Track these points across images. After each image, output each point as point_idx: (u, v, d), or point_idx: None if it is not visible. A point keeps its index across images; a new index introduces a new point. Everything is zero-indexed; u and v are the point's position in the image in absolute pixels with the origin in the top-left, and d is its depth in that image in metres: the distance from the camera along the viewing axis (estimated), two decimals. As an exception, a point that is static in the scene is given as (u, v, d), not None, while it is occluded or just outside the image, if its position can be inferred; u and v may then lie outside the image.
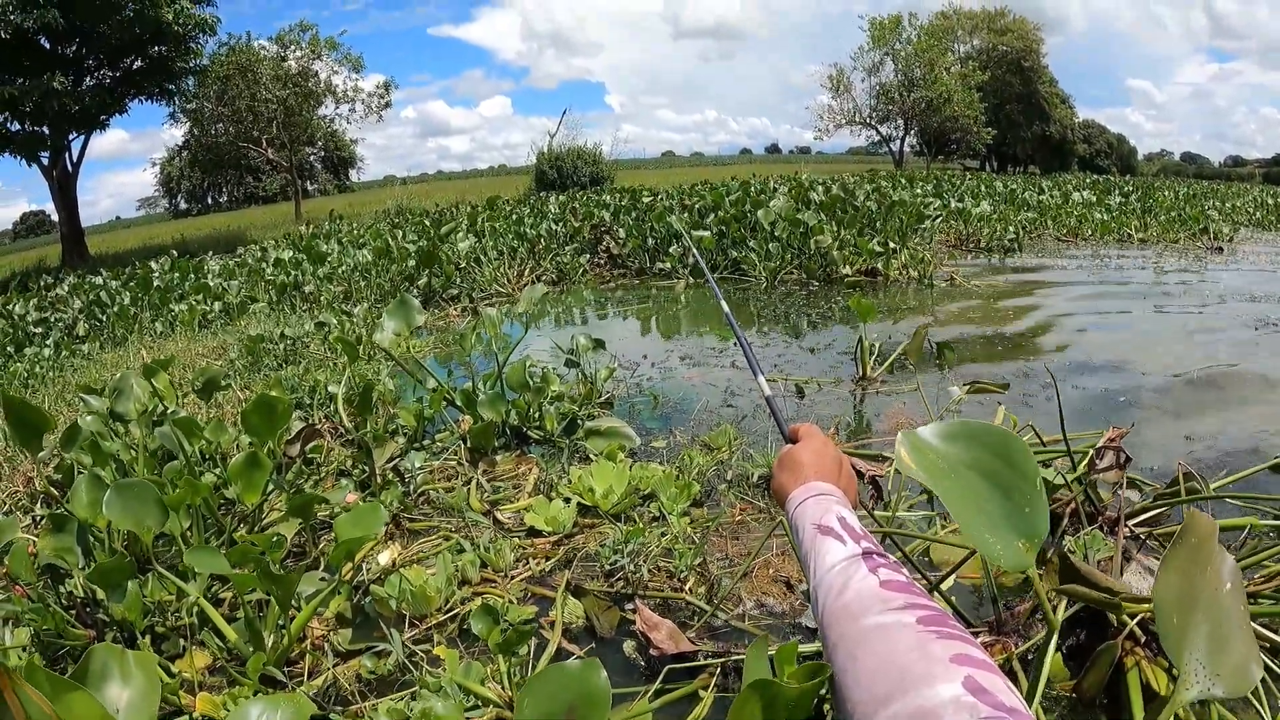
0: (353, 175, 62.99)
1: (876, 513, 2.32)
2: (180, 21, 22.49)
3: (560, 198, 17.33)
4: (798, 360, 4.77)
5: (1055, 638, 1.46)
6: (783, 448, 1.31)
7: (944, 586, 1.87)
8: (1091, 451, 2.22)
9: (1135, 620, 1.60)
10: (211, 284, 8.81)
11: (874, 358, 4.28)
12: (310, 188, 52.04)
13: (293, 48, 33.27)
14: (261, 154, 34.21)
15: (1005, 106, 52.83)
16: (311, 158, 46.77)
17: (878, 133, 52.24)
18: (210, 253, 15.59)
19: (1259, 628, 1.61)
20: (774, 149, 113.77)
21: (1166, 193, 21.23)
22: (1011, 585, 2.02)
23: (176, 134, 37.11)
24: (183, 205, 65.65)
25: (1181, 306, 6.34)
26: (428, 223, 13.50)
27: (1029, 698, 1.36)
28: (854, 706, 0.76)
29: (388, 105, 36.79)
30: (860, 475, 2.11)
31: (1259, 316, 5.75)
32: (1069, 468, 2.29)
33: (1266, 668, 1.55)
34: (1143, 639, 1.62)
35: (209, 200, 64.55)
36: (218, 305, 7.78)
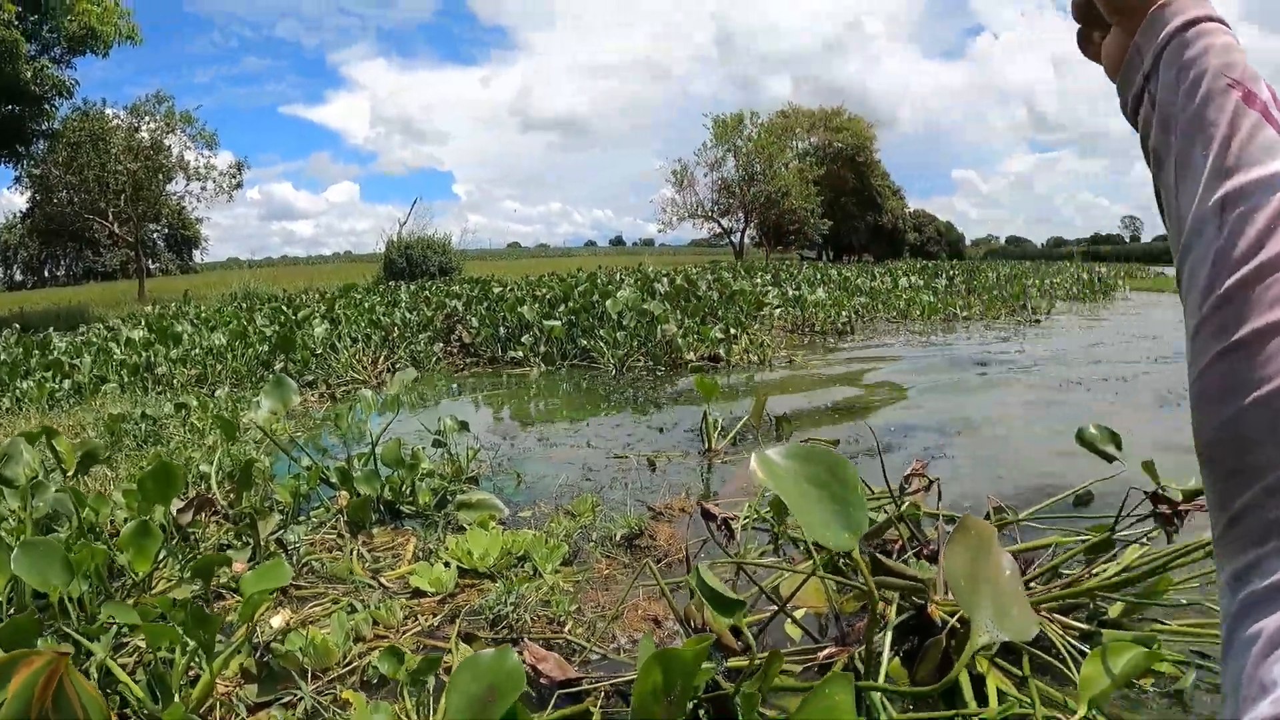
0: (196, 255, 60.54)
1: (730, 551, 2.71)
2: (38, 81, 21.33)
3: (411, 287, 17.48)
4: (648, 438, 5.18)
5: (889, 634, 1.92)
6: None
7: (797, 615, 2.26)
8: (901, 479, 2.74)
9: (955, 618, 2.01)
10: (63, 361, 8.48)
11: (718, 432, 4.73)
12: (152, 266, 49.68)
13: (146, 118, 32.08)
14: (106, 227, 32.66)
15: (841, 199, 55.81)
16: (155, 234, 44.90)
17: (719, 225, 53.50)
18: (51, 329, 14.77)
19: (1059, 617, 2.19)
20: (618, 241, 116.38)
21: (989, 273, 23.35)
22: (851, 611, 2.39)
23: (18, 200, 34.88)
24: (18, 277, 61.45)
25: (996, 374, 7.40)
26: (285, 307, 13.36)
27: (869, 678, 1.80)
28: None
29: (239, 185, 35.68)
30: (713, 517, 2.49)
31: (1064, 378, 6.91)
32: (894, 511, 2.78)
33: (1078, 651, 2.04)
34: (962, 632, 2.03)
35: (45, 273, 60.73)
36: (67, 383, 7.52)
